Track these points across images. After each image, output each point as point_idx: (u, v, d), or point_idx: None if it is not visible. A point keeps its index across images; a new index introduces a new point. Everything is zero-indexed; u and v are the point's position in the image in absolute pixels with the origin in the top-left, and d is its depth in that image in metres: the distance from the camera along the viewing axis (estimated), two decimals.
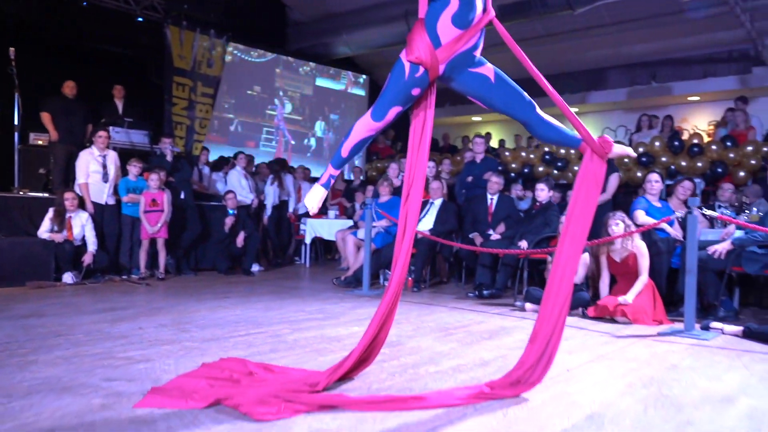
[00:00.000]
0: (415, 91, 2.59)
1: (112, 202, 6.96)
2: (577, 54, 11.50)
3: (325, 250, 10.07)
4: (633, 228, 5.10)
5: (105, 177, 6.88)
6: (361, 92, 12.97)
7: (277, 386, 2.61)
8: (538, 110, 2.61)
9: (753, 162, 8.14)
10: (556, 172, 9.59)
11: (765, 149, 8.07)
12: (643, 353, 3.66)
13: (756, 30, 9.52)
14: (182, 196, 7.61)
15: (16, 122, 6.94)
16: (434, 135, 13.20)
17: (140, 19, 9.54)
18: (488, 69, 2.60)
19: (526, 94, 2.61)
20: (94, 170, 6.83)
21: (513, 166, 10.18)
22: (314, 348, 3.51)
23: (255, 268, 7.91)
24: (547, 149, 10.19)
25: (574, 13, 9.09)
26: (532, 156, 10.20)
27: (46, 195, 6.98)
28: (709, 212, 4.30)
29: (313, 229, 8.95)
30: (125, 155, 7.39)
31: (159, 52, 9.59)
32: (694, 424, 2.33)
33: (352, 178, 10.91)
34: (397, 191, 7.44)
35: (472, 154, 8.04)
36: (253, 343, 3.57)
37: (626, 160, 8.57)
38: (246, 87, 10.96)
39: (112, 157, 7.05)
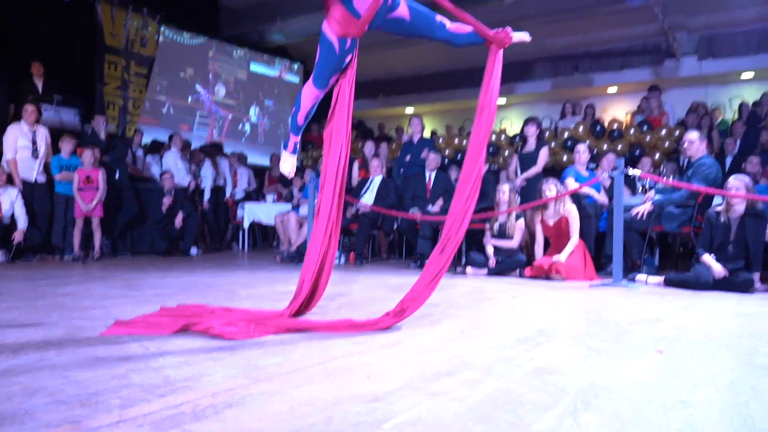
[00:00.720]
0: (348, 57, 2.79)
1: (42, 179, 6.71)
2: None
3: (263, 236, 10.03)
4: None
5: (35, 153, 6.63)
6: (295, 79, 12.97)
7: (243, 315, 2.69)
8: (448, 25, 2.83)
9: (667, 144, 8.79)
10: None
11: (677, 133, 8.72)
12: (580, 296, 3.95)
13: (667, 23, 10.23)
14: (117, 176, 7.42)
15: None
16: (369, 125, 13.50)
17: None
18: (403, 9, 2.76)
19: (436, 16, 2.82)
20: (22, 146, 6.57)
21: (447, 152, 10.51)
22: (268, 299, 3.58)
23: (193, 250, 7.81)
24: None
25: (504, 2, 9.49)
26: (464, 143, 10.55)
27: None
28: (633, 171, 4.67)
29: (251, 214, 8.91)
30: (55, 134, 7.13)
31: (87, 30, 9.28)
32: (630, 333, 2.58)
33: None
34: None
35: (408, 136, 8.26)
36: (207, 297, 3.59)
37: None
38: (178, 69, 10.75)
39: (43, 133, 6.80)
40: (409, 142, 8.01)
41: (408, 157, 7.83)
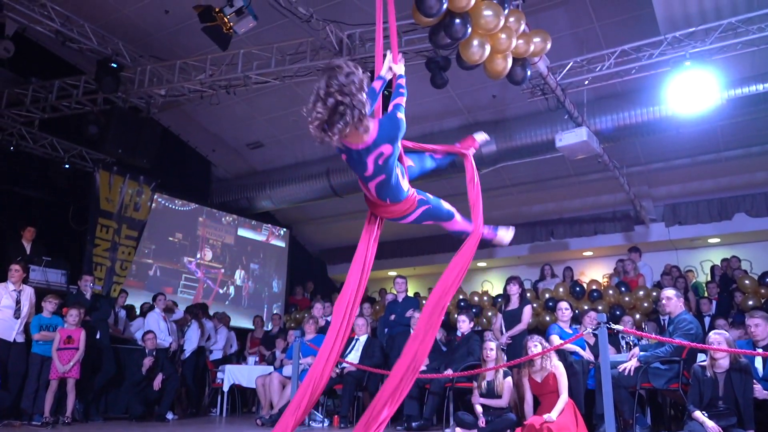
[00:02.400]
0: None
1: (21, 339, 6.56)
2: (484, 213, 12.55)
3: (242, 401, 9.64)
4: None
5: (17, 312, 6.56)
6: (281, 244, 13.32)
7: None
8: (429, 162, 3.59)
9: (645, 305, 8.99)
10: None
11: (654, 294, 8.96)
12: None
13: (634, 193, 10.96)
14: (98, 335, 7.31)
15: None
16: None
17: (67, 166, 9.70)
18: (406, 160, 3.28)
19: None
20: (5, 305, 6.51)
21: None
22: None
23: (170, 415, 7.47)
24: (461, 297, 10.72)
25: (480, 173, 10.16)
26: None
27: None
28: (616, 326, 4.76)
29: (231, 376, 8.66)
30: (40, 294, 7.12)
31: (81, 197, 9.70)
32: None
33: (271, 327, 10.85)
34: (322, 330, 7.54)
35: (392, 296, 8.38)
36: None
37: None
38: (168, 234, 11.05)
39: (28, 293, 6.79)
40: (394, 301, 8.10)
41: (393, 317, 7.87)
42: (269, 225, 13.16)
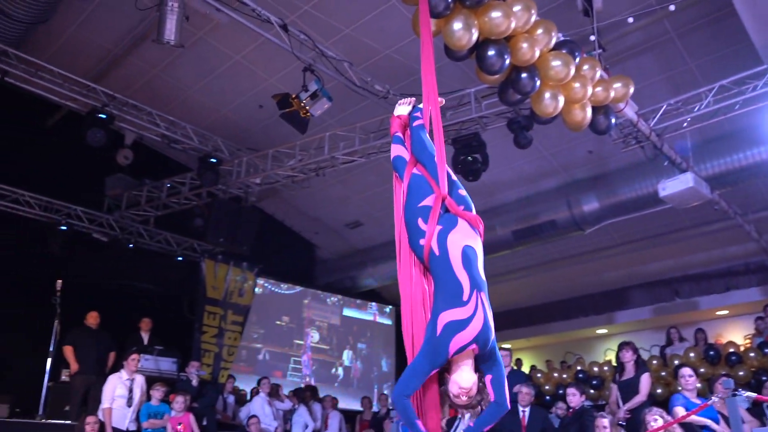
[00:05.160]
0: None
1: (133, 428, 6.81)
2: (596, 275, 11.81)
3: None
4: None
5: (129, 401, 6.83)
6: (389, 321, 13.19)
7: None
8: None
9: None
10: (592, 391, 9.22)
11: None
12: None
13: (765, 241, 9.83)
14: (204, 422, 7.43)
15: (50, 348, 7.14)
16: None
17: (180, 259, 10.33)
18: None
19: None
20: (119, 394, 6.82)
21: (546, 388, 9.84)
22: None
23: None
24: (579, 368, 9.91)
25: (584, 233, 9.61)
26: (564, 376, 9.92)
27: (68, 422, 6.89)
28: (748, 393, 4.08)
29: None
30: (152, 381, 7.41)
31: (192, 288, 10.23)
32: None
33: (378, 408, 10.58)
34: None
35: None
36: None
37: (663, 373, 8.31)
38: (275, 317, 11.33)
39: (139, 381, 7.08)
40: None
41: None
42: (374, 303, 13.12)
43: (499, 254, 10.48)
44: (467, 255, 2.59)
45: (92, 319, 7.89)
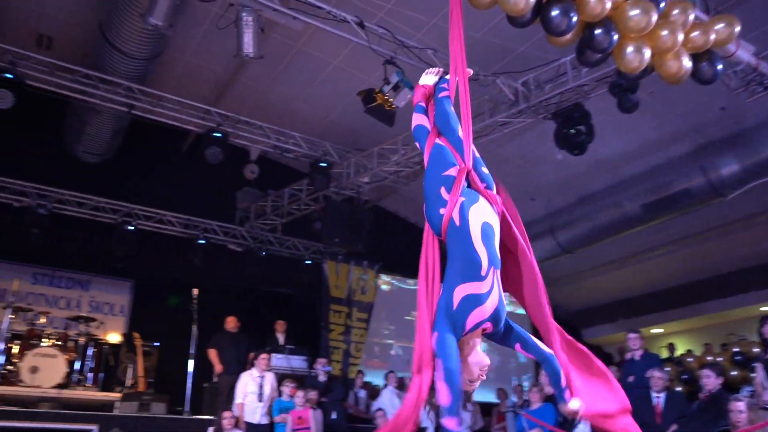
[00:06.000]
0: None
1: (265, 421, 7.26)
2: (751, 247, 10.52)
3: None
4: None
5: (260, 397, 7.30)
6: (523, 311, 12.78)
7: None
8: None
9: None
10: (752, 375, 8.24)
11: None
12: None
13: None
14: (334, 416, 7.71)
15: (191, 350, 7.82)
16: (608, 351, 12.29)
17: (308, 262, 10.85)
18: None
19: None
20: (251, 390, 7.32)
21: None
22: None
23: None
24: (736, 349, 8.94)
25: (726, 199, 8.60)
26: (720, 359, 9.00)
27: (212, 417, 7.49)
28: None
29: None
30: (284, 378, 7.84)
31: (316, 287, 10.76)
32: None
33: (516, 400, 10.26)
34: (549, 398, 6.90)
35: (630, 353, 7.31)
36: None
37: None
38: (404, 313, 11.48)
39: (269, 378, 7.54)
40: (630, 360, 7.06)
41: (631, 378, 6.83)
42: (507, 293, 12.78)
43: (631, 231, 9.75)
44: (486, 231, 2.46)
45: (231, 323, 8.51)
